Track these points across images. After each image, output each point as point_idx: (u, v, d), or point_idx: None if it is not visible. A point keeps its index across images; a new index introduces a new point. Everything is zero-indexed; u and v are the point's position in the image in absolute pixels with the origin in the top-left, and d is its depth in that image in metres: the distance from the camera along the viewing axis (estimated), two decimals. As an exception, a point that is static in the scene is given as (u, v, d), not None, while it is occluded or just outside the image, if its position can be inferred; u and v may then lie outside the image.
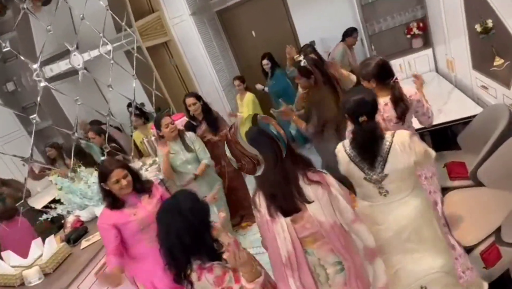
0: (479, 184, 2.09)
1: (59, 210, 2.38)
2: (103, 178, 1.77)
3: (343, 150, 1.63)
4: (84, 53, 3.09)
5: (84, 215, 2.50)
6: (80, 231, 2.34)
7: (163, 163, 2.54)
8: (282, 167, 1.31)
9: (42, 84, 2.58)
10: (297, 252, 1.34)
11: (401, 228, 1.61)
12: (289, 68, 3.66)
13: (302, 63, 2.39)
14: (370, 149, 1.56)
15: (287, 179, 1.33)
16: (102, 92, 4.16)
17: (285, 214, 1.33)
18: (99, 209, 2.45)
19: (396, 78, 1.87)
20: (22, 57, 2.54)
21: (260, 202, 1.37)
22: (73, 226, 2.47)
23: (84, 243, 2.20)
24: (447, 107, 2.72)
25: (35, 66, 2.56)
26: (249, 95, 3.86)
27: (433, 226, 1.67)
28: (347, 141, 1.65)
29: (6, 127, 3.29)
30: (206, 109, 2.97)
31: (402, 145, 1.54)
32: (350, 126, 1.79)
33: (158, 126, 2.60)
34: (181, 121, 3.52)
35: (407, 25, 3.82)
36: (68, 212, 2.48)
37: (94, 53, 3.21)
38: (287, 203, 1.33)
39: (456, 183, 2.24)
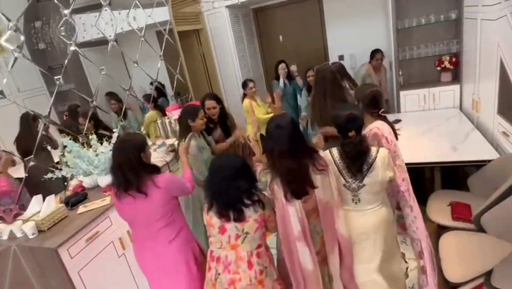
0: (480, 229, 2.05)
1: (64, 171, 2.43)
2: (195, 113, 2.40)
3: (329, 156, 1.78)
4: (115, 11, 3.14)
5: (87, 182, 2.54)
6: (80, 196, 2.38)
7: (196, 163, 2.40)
8: (297, 158, 1.61)
9: (72, 48, 2.64)
10: (305, 225, 1.64)
11: (361, 235, 1.79)
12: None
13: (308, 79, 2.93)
14: (357, 161, 1.71)
15: (300, 168, 1.62)
16: (126, 67, 4.22)
17: (298, 197, 1.62)
18: (102, 179, 2.51)
19: (383, 112, 2.03)
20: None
21: (277, 188, 1.63)
22: (75, 190, 2.52)
23: (81, 208, 2.24)
24: (463, 146, 2.68)
25: (66, 11, 2.62)
26: (244, 102, 3.65)
27: (391, 242, 1.87)
28: (335, 150, 1.79)
29: (29, 84, 3.35)
30: (224, 114, 2.97)
31: (383, 160, 1.72)
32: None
33: (193, 114, 2.45)
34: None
35: (439, 57, 3.77)
36: (73, 176, 2.53)
37: (127, 27, 3.27)
38: (300, 187, 1.62)
39: (458, 224, 2.20)
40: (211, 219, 1.66)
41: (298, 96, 4.12)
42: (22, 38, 2.28)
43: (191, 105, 2.73)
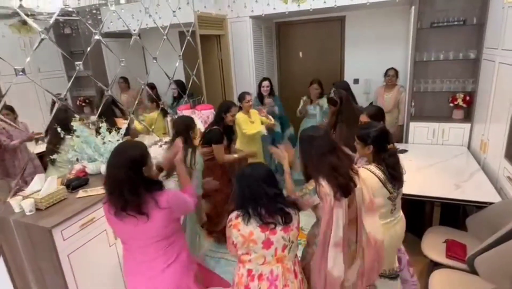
0: (473, 271, 2.03)
1: (70, 154, 2.48)
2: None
3: (371, 174, 1.83)
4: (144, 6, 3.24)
5: (90, 167, 2.58)
6: (82, 181, 2.42)
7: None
8: (337, 155, 1.67)
9: (97, 37, 2.72)
10: (346, 233, 1.64)
11: (397, 241, 1.97)
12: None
13: (331, 94, 3.11)
14: (398, 170, 1.86)
15: (342, 163, 1.66)
16: (145, 62, 4.32)
17: (346, 194, 1.61)
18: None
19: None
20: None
21: (327, 189, 1.60)
22: (77, 174, 2.56)
23: (81, 193, 2.28)
24: (466, 185, 2.66)
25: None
26: (254, 110, 3.68)
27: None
28: (371, 166, 1.86)
29: (50, 65, 3.44)
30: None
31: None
32: (361, 154, 2.02)
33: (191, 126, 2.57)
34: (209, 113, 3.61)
35: (453, 94, 3.78)
36: (77, 160, 2.57)
37: (151, 24, 3.36)
38: (347, 182, 1.62)
39: (451, 262, 2.18)
40: (252, 235, 1.55)
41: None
42: (52, 20, 2.36)
43: (186, 116, 2.76)
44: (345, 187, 1.61)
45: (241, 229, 1.57)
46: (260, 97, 4.17)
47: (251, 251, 1.58)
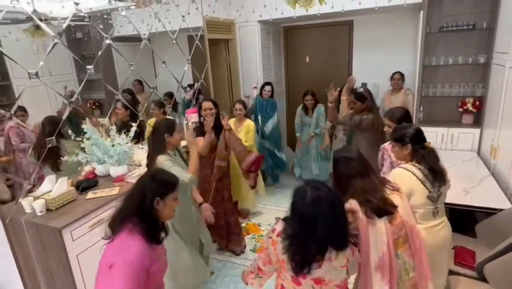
0: (482, 279, 2.00)
1: (80, 157, 2.52)
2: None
3: (408, 172, 1.83)
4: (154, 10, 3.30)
5: (100, 169, 2.62)
6: (91, 182, 2.46)
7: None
8: (369, 177, 1.60)
9: (108, 41, 2.77)
10: (390, 253, 1.52)
11: (442, 248, 1.88)
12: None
13: (358, 90, 3.08)
14: (438, 167, 1.84)
15: (374, 187, 1.59)
16: (154, 65, 4.37)
17: (380, 215, 1.52)
18: (114, 169, 2.59)
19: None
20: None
21: (354, 204, 1.54)
22: (87, 176, 2.61)
23: (90, 194, 2.31)
24: (475, 191, 2.63)
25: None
26: (250, 123, 3.61)
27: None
28: (408, 165, 1.86)
29: (61, 69, 3.50)
30: (219, 119, 2.89)
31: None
32: (399, 156, 1.99)
33: (172, 128, 2.25)
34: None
35: (463, 99, 3.75)
36: (87, 162, 2.62)
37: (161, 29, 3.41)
38: (379, 205, 1.53)
39: (459, 269, 2.15)
40: (284, 263, 1.35)
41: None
42: (65, 25, 2.41)
43: (168, 119, 2.57)
44: (377, 210, 1.52)
45: (278, 250, 1.36)
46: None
47: (282, 273, 1.42)
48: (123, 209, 1.36)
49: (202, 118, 2.88)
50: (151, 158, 2.15)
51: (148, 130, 3.41)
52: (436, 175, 1.82)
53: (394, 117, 2.34)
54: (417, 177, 1.81)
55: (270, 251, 1.41)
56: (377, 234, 1.49)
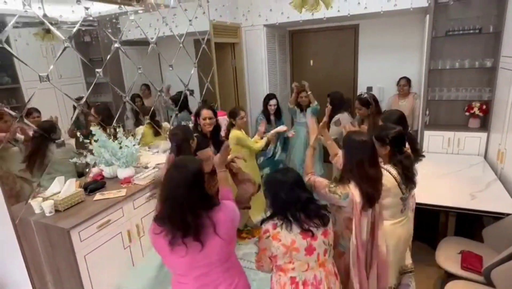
0: (489, 283, 1.99)
1: (88, 158, 2.55)
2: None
3: (390, 175, 1.88)
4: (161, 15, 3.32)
5: (107, 171, 2.65)
6: (99, 184, 2.48)
7: None
8: (376, 168, 1.74)
9: (116, 45, 2.81)
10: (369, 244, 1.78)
11: (406, 241, 2.06)
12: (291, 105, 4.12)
13: (363, 96, 3.10)
14: (412, 171, 1.95)
15: (378, 176, 1.74)
16: (161, 69, 4.42)
17: (371, 204, 1.72)
18: (122, 171, 2.62)
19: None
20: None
21: (357, 198, 1.69)
22: (94, 177, 2.64)
23: (98, 196, 2.34)
24: (482, 195, 2.61)
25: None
26: (234, 132, 3.13)
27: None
28: (388, 166, 1.92)
29: (69, 72, 3.55)
30: (218, 128, 2.75)
31: None
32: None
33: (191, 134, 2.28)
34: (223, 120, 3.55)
35: (469, 103, 3.73)
36: (95, 164, 2.65)
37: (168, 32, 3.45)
38: (375, 192, 1.71)
39: (466, 274, 2.13)
40: (294, 243, 1.53)
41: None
42: (75, 29, 2.45)
43: (183, 126, 2.54)
44: (372, 197, 1.70)
45: (282, 238, 1.53)
46: (267, 115, 3.97)
47: (294, 259, 1.56)
48: None
49: (199, 126, 2.69)
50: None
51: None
52: (408, 180, 1.92)
53: (389, 120, 2.36)
54: (395, 179, 1.88)
55: (273, 247, 1.55)
56: (363, 226, 1.71)
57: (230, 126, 3.20)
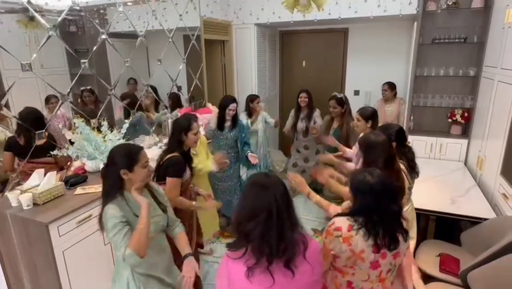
0: (466, 286, 2.04)
1: (70, 151, 2.48)
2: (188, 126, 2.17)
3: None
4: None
5: (89, 165, 2.58)
6: (80, 178, 2.42)
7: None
8: (393, 167, 1.90)
9: (103, 36, 2.74)
10: None
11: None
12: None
13: (339, 96, 3.48)
14: (415, 162, 2.19)
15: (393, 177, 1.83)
16: (149, 63, 4.35)
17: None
18: (105, 165, 2.55)
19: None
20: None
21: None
22: (76, 171, 2.57)
23: (79, 190, 2.28)
24: (462, 200, 2.69)
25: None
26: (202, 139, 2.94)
27: None
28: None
29: (53, 62, 3.44)
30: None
31: None
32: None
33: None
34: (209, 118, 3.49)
35: (452, 110, 3.83)
36: (77, 157, 2.58)
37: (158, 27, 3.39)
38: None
39: (444, 276, 2.19)
40: (363, 253, 1.39)
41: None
42: (60, 18, 2.38)
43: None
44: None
45: (353, 243, 1.39)
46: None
47: (356, 266, 1.44)
48: None
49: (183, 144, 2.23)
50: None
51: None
52: (412, 170, 2.14)
53: (364, 115, 2.63)
54: (404, 173, 2.01)
55: (340, 249, 1.41)
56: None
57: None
